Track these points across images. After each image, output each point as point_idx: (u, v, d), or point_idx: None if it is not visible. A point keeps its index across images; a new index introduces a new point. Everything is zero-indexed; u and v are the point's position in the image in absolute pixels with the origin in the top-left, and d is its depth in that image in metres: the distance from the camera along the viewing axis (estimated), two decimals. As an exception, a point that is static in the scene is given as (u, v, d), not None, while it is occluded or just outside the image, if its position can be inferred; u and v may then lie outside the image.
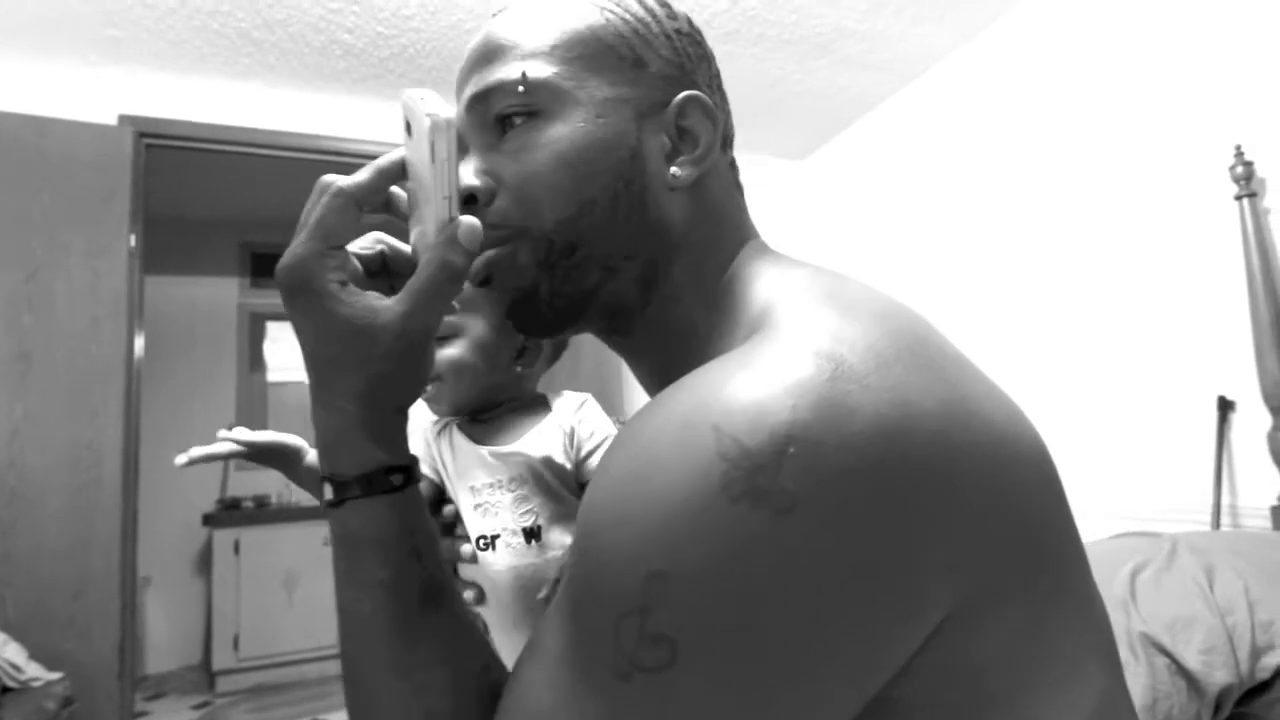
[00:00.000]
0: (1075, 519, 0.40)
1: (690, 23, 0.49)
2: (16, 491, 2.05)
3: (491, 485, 0.66)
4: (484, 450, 0.67)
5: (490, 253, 0.43)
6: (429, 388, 0.70)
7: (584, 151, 0.43)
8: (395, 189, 0.43)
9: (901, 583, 0.29)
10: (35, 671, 1.88)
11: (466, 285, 0.42)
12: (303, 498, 3.57)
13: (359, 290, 0.38)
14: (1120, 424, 1.86)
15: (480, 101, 0.44)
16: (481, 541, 0.66)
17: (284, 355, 3.89)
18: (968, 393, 0.33)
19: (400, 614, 0.38)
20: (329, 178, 0.39)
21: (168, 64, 2.33)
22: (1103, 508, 1.80)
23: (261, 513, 3.29)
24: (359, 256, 0.41)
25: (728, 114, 0.49)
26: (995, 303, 2.26)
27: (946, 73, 2.44)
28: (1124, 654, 0.94)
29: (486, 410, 0.72)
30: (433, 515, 0.66)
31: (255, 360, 3.82)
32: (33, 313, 2.12)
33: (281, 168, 2.69)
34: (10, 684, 1.81)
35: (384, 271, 0.43)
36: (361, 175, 0.40)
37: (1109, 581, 1.05)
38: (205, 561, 3.36)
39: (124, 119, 2.33)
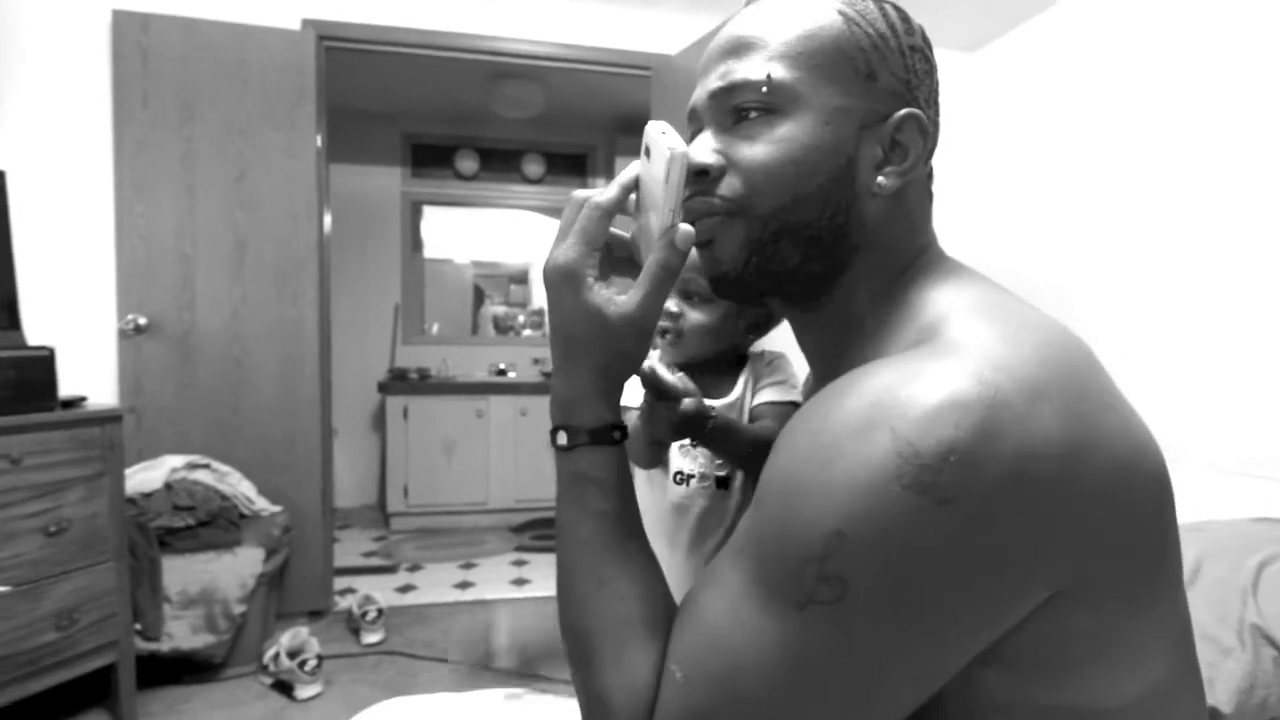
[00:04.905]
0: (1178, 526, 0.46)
1: (924, 36, 0.52)
2: (239, 360, 2.46)
3: None
4: None
5: (714, 220, 0.50)
6: (669, 337, 0.82)
7: (809, 153, 0.48)
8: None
9: (1019, 570, 0.37)
10: (263, 504, 2.34)
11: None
12: (457, 373, 3.99)
13: (604, 284, 0.48)
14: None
15: (725, 92, 0.50)
16: (678, 476, 0.80)
17: (436, 235, 4.25)
18: (1101, 429, 0.39)
19: (610, 537, 0.48)
20: (584, 193, 0.49)
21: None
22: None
23: (424, 384, 3.71)
24: None
25: (938, 127, 0.53)
26: (1176, 222, 2.06)
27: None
28: (1230, 639, 0.96)
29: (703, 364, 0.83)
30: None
31: (415, 241, 4.17)
32: (243, 209, 2.44)
33: (440, 65, 2.81)
34: (246, 512, 2.27)
35: (606, 253, 0.51)
36: (611, 191, 0.49)
37: (1235, 567, 1.05)
38: (380, 420, 3.88)
39: (306, 23, 2.49)
